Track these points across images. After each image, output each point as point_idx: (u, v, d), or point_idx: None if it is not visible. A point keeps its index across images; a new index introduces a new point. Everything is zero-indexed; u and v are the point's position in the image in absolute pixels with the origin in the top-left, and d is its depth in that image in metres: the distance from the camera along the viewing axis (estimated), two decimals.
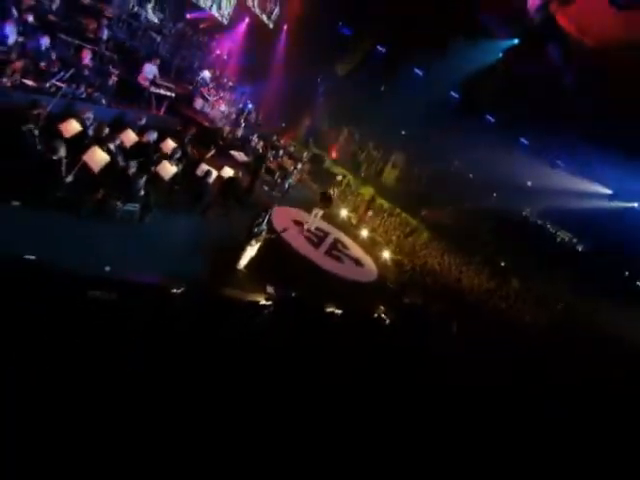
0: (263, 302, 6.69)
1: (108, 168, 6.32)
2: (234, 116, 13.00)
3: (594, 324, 13.90)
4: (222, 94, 12.82)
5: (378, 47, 20.33)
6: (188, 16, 13.75)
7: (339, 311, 7.72)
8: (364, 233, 12.74)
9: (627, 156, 16.30)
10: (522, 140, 21.45)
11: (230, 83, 13.78)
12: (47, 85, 7.13)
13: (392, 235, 14.03)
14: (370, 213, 13.68)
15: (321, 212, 10.60)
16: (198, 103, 11.66)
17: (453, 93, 21.16)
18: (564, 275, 17.10)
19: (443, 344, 9.05)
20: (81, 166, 6.09)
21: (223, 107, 12.60)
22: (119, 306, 5.16)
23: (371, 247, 12.24)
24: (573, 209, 19.78)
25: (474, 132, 20.23)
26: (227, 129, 11.69)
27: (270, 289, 7.09)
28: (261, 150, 11.75)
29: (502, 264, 19.73)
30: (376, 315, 8.69)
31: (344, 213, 13.56)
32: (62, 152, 5.60)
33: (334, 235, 11.27)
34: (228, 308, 6.33)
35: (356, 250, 11.24)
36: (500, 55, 16.03)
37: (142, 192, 6.58)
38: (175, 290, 5.75)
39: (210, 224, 8.10)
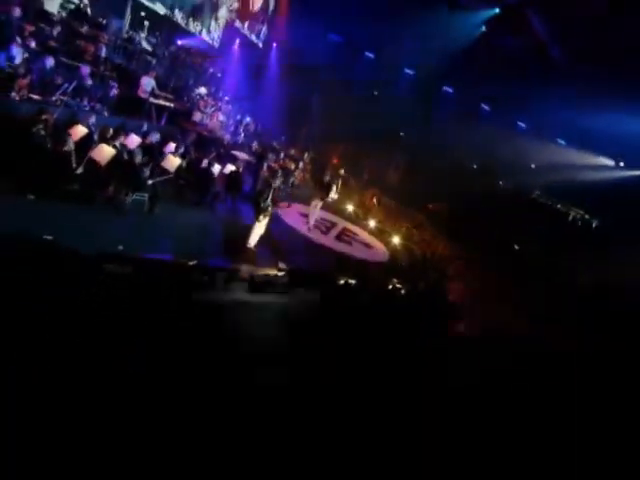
0: (277, 273, 6.80)
1: (115, 161, 6.62)
2: (233, 127, 13.46)
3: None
4: (219, 105, 13.30)
5: (366, 53, 21.02)
6: (179, 42, 14.37)
7: (352, 281, 7.78)
8: (372, 223, 12.87)
9: (627, 122, 16.30)
10: (520, 124, 21.63)
11: (226, 98, 14.29)
12: (53, 99, 7.56)
13: (400, 226, 14.10)
14: (375, 201, 13.80)
15: (320, 203, 10.04)
16: (197, 116, 12.12)
17: (447, 88, 21.66)
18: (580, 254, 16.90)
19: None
20: (89, 162, 6.42)
21: (221, 117, 13.07)
22: (135, 280, 5.33)
23: (380, 234, 12.34)
24: (581, 185, 19.67)
25: (471, 120, 20.50)
26: (227, 137, 12.11)
27: (282, 265, 7.23)
28: (262, 151, 12.09)
29: (516, 247, 19.62)
30: (391, 287, 8.72)
31: (350, 208, 13.73)
32: (71, 144, 5.91)
33: (342, 224, 11.43)
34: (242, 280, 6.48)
35: (365, 236, 11.37)
36: (483, 28, 16.21)
37: (149, 181, 6.85)
38: (190, 263, 5.91)
39: (218, 214, 8.34)
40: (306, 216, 10.32)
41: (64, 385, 2.38)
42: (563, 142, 21.04)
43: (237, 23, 17.27)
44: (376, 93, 21.72)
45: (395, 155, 19.99)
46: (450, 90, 21.98)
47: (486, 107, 21.58)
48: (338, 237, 10.25)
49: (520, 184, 21.27)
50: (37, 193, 5.82)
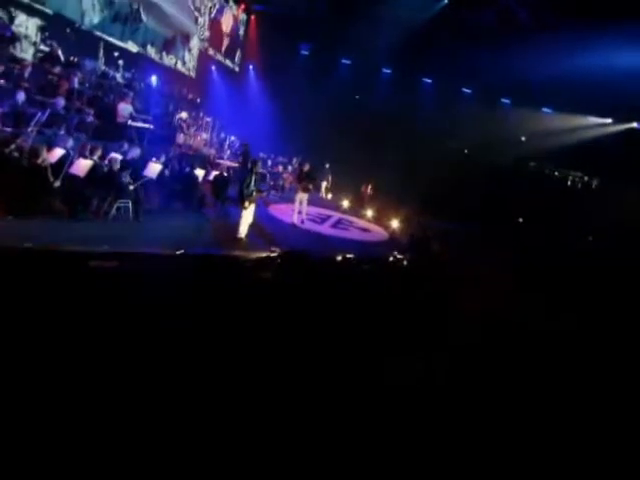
0: (270, 255, 6.68)
1: (93, 171, 6.65)
2: (217, 144, 13.61)
3: None
4: (200, 123, 13.50)
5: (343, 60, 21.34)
6: (154, 79, 14.64)
7: (350, 255, 7.62)
8: (369, 213, 12.76)
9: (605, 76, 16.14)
10: (504, 100, 21.59)
11: (207, 119, 14.51)
12: (28, 130, 7.68)
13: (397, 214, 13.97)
14: (370, 190, 13.71)
15: (305, 195, 9.61)
16: (180, 138, 12.28)
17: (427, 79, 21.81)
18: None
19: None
20: (68, 177, 6.46)
21: (204, 135, 13.24)
22: (121, 274, 5.24)
23: (377, 220, 12.21)
24: (574, 147, 19.46)
25: (455, 105, 20.52)
26: (212, 153, 12.23)
27: (275, 248, 7.14)
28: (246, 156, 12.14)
29: (520, 220, 19.31)
30: (391, 258, 8.52)
31: (345, 203, 13.67)
32: (45, 155, 5.96)
33: (338, 216, 11.35)
34: (237, 264, 6.37)
35: (362, 223, 11.25)
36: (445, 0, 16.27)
37: (130, 187, 6.86)
38: (177, 252, 5.83)
39: (207, 217, 8.32)
40: (299, 212, 10.30)
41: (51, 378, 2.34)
42: (550, 109, 20.98)
43: (210, 51, 17.70)
44: (357, 97, 22.03)
45: (384, 150, 19.94)
46: (428, 80, 22.18)
47: (467, 91, 21.68)
48: (334, 226, 10.15)
49: (516, 158, 21.08)
50: (15, 212, 5.81)
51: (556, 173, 22.24)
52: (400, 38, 18.47)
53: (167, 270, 5.73)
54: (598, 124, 19.43)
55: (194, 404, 2.32)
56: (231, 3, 18.00)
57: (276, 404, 2.33)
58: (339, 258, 7.64)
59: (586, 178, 20.35)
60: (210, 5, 17.03)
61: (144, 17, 14.70)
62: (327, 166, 14.97)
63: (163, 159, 8.22)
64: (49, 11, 11.77)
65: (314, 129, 17.97)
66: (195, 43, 16.95)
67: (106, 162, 6.96)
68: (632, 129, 20.04)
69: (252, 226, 7.44)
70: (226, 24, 18.24)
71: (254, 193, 7.15)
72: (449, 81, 21.23)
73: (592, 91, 16.92)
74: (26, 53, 10.85)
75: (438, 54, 18.60)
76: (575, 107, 19.21)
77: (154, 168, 7.67)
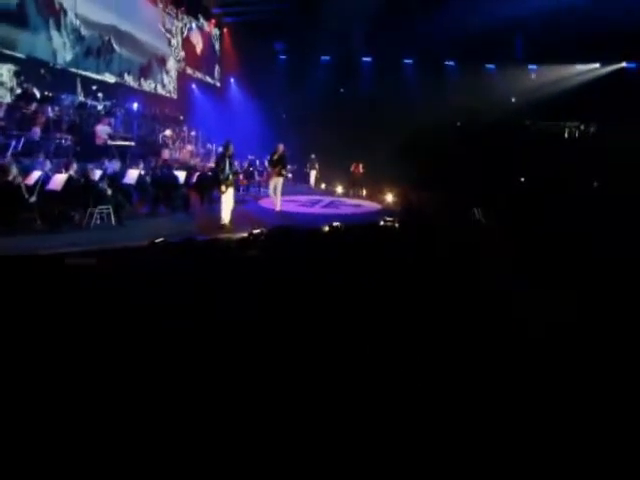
0: (254, 232, 6.60)
1: (70, 183, 6.71)
2: (204, 154, 13.72)
3: None
4: (184, 135, 13.65)
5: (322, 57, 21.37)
6: (135, 105, 14.85)
7: (337, 223, 7.47)
8: (362, 191, 12.63)
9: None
10: (489, 66, 21.33)
11: (192, 132, 14.66)
12: (5, 161, 7.81)
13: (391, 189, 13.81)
14: (361, 169, 13.56)
15: (279, 180, 9.47)
16: (165, 154, 12.37)
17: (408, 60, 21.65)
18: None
19: None
20: (46, 192, 6.54)
21: (189, 147, 13.37)
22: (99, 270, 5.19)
23: (371, 197, 12.06)
24: (565, 97, 19.04)
25: (438, 79, 20.34)
26: (197, 161, 12.32)
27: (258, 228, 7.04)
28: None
29: (521, 179, 18.86)
30: (382, 223, 8.32)
31: (339, 189, 13.57)
32: (15, 171, 6.04)
33: (330, 199, 11.25)
34: (220, 246, 6.30)
35: (355, 201, 11.11)
36: None
37: (109, 192, 6.90)
38: (157, 240, 5.78)
39: (191, 215, 8.31)
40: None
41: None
42: (534, 67, 20.64)
43: (188, 70, 17.96)
44: (342, 90, 22.03)
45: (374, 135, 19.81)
46: (409, 61, 22.07)
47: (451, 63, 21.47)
48: (325, 207, 10.04)
49: (509, 119, 20.67)
50: None
51: (553, 128, 21.76)
52: (370, 24, 18.49)
53: (146, 259, 5.72)
54: (587, 70, 19.00)
55: (182, 386, 2.27)
56: (201, 20, 18.28)
57: (272, 388, 2.23)
58: (326, 228, 7.52)
59: (582, 126, 19.83)
60: (181, 25, 17.33)
61: (117, 47, 15.01)
62: (313, 156, 14.93)
63: (142, 166, 8.28)
64: (21, 55, 12.07)
65: (301, 126, 18.00)
66: (172, 65, 17.23)
67: (80, 173, 7.03)
68: (621, 69, 19.53)
69: (234, 211, 7.39)
70: (200, 42, 18.52)
71: (230, 177, 7.12)
72: (431, 57, 21.14)
73: (572, 36, 16.60)
74: (3, 98, 11.15)
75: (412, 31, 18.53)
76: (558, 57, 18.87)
77: (132, 174, 7.74)
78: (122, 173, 7.98)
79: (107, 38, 14.73)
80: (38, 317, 3.23)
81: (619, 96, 16.96)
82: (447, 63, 22.17)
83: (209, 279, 5.37)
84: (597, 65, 19.52)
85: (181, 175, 8.50)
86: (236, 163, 14.11)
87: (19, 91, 11.44)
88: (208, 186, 8.98)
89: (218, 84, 19.52)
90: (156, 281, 5.00)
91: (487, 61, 21.73)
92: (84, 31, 13.98)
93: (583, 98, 18.49)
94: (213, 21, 18.69)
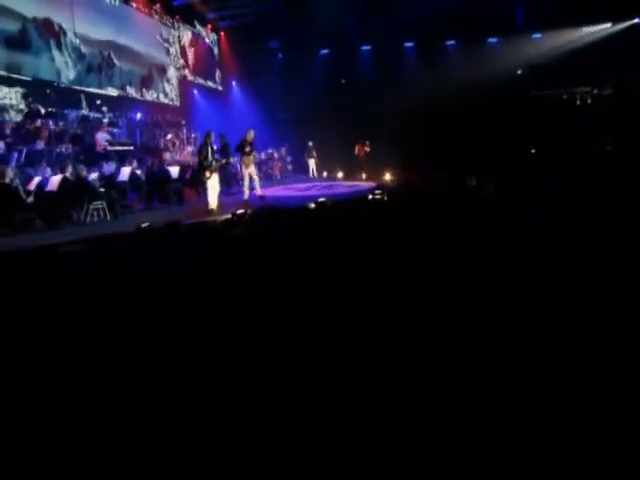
0: (237, 212, 6.91)
1: (64, 183, 7.23)
2: None
3: None
4: (183, 137, 14.19)
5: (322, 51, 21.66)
6: (138, 115, 15.50)
7: (323, 199, 7.68)
8: (364, 175, 12.80)
9: None
10: (491, 41, 21.10)
11: (193, 135, 15.20)
12: (10, 171, 8.43)
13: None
14: (367, 148, 13.64)
15: (252, 166, 9.33)
16: (167, 155, 12.95)
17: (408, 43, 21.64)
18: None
19: None
20: (44, 193, 7.07)
21: (190, 148, 13.89)
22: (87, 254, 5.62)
23: (371, 178, 12.22)
24: (575, 62, 18.52)
25: (439, 60, 20.26)
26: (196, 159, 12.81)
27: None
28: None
29: (532, 151, 18.50)
30: (370, 197, 8.46)
31: (340, 175, 13.78)
32: (11, 174, 6.57)
33: (328, 183, 11.48)
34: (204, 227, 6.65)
35: (352, 182, 11.30)
36: None
37: (101, 189, 7.38)
38: (143, 225, 6.19)
39: (185, 207, 8.73)
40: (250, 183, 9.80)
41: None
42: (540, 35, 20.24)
43: (189, 77, 18.58)
44: (344, 81, 22.21)
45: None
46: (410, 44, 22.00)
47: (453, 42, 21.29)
48: (319, 190, 10.28)
49: (516, 90, 20.25)
50: None
51: (564, 96, 21.23)
52: (365, 12, 18.66)
53: (132, 243, 6.13)
54: (596, 31, 18.51)
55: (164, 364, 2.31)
56: (198, 27, 18.89)
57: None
58: (312, 205, 7.73)
59: (595, 91, 19.25)
60: (178, 34, 17.97)
61: (116, 62, 15.73)
62: (310, 144, 15.16)
63: (135, 165, 8.77)
64: (27, 78, 12.85)
65: (302, 120, 18.31)
66: (172, 73, 17.88)
67: (74, 174, 7.56)
68: (635, 25, 18.92)
69: (223, 198, 7.75)
70: (197, 48, 19.14)
71: (213, 163, 7.48)
72: (431, 38, 21.04)
73: None
74: (13, 118, 11.92)
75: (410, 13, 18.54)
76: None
77: (125, 171, 8.25)
78: (117, 173, 8.49)
79: (107, 53, 15.46)
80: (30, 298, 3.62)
81: (634, 55, 16.45)
82: (448, 42, 22.02)
83: (193, 258, 5.75)
84: (608, 25, 18.93)
85: (174, 170, 8.94)
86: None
87: (26, 110, 12.26)
88: (200, 179, 9.40)
89: (220, 88, 20.09)
90: (140, 261, 5.43)
91: (489, 35, 21.48)
92: (84, 49, 14.71)
93: (594, 61, 17.97)
94: (209, 26, 19.28)
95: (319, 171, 15.24)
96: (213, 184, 7.49)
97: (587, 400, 1.68)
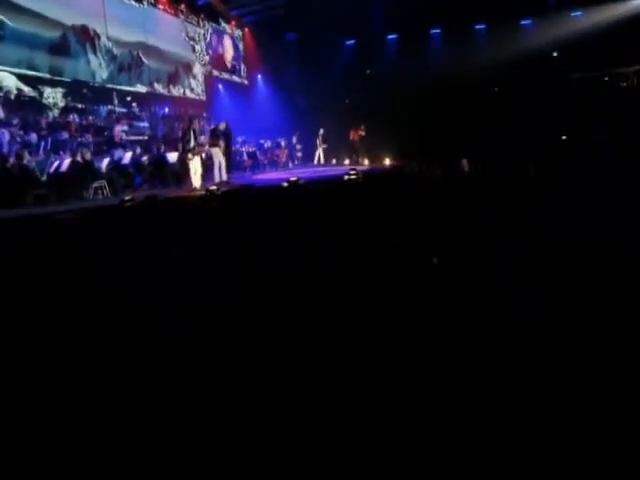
0: (211, 187, 8.25)
1: (74, 164, 8.90)
2: None
3: None
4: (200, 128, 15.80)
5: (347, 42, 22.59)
6: (164, 109, 17.32)
7: (295, 178, 8.79)
8: (362, 160, 13.74)
9: None
10: (524, 22, 20.97)
11: (207, 127, 16.79)
12: (38, 158, 10.29)
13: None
14: (361, 132, 14.48)
15: (218, 154, 10.32)
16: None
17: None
18: None
19: None
20: (57, 173, 8.78)
21: (203, 137, 15.44)
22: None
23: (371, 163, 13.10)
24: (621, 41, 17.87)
25: (466, 46, 20.45)
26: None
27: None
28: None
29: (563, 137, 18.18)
30: (346, 177, 9.42)
31: (347, 162, 14.76)
32: (27, 156, 8.28)
33: (321, 168, 12.56)
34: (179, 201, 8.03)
35: (346, 167, 12.29)
36: None
37: (103, 170, 8.99)
38: (126, 198, 7.67)
39: (181, 187, 10.20)
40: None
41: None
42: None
43: (215, 72, 20.29)
44: (369, 72, 23.01)
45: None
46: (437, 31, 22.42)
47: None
48: (303, 173, 11.39)
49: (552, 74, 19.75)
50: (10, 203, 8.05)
51: (605, 78, 20.64)
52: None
53: (114, 212, 7.64)
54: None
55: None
56: (223, 24, 20.56)
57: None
58: (285, 184, 8.84)
59: None
60: (203, 32, 19.73)
61: (145, 60, 17.69)
62: (322, 131, 16.09)
63: (138, 150, 10.37)
64: (67, 79, 14.95)
65: (320, 110, 19.35)
66: (198, 69, 19.68)
67: (80, 157, 9.24)
68: None
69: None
70: (223, 44, 20.84)
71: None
72: (459, 23, 21.26)
73: None
74: (54, 114, 14.02)
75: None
76: None
77: (127, 156, 9.88)
78: (122, 158, 10.16)
79: (136, 53, 17.46)
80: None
81: None
82: (477, 27, 22.13)
83: (163, 224, 7.12)
84: None
85: (172, 156, 10.48)
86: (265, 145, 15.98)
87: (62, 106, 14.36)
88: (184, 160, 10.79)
89: (245, 82, 21.69)
90: (117, 227, 6.90)
91: (521, 17, 21.32)
92: (116, 50, 16.74)
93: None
94: (233, 23, 20.89)
95: (329, 159, 16.26)
96: (195, 166, 8.86)
97: (587, 400, 1.71)
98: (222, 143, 10.57)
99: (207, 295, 3.10)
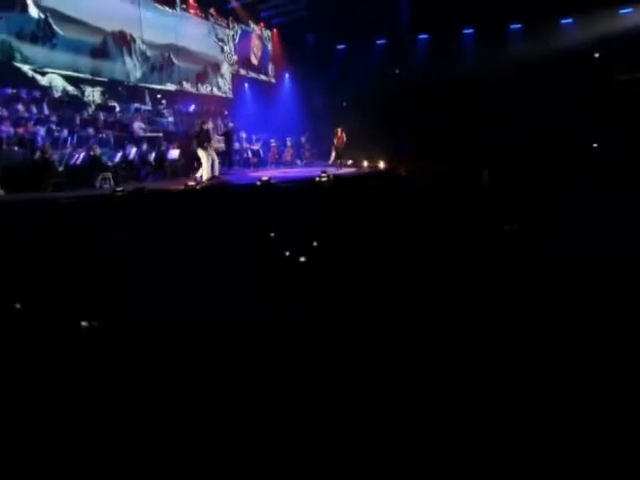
0: (190, 183, 10.23)
1: (85, 158, 11.20)
2: (236, 142, 17.90)
3: None
4: (218, 126, 17.92)
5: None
6: (193, 107, 19.67)
7: (266, 177, 10.55)
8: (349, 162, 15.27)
9: None
10: (564, 22, 21.29)
11: (230, 124, 18.93)
12: (65, 151, 12.70)
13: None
14: (341, 134, 15.94)
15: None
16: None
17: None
18: None
19: None
20: (72, 165, 11.14)
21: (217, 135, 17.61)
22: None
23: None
24: None
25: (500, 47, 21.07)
26: (221, 146, 16.48)
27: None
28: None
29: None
30: (317, 179, 11.01)
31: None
32: (50, 152, 10.62)
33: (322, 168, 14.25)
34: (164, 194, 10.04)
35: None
36: None
37: (108, 163, 11.24)
38: (117, 189, 9.79)
39: (179, 180, 12.30)
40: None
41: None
42: None
43: (242, 71, 22.49)
44: (397, 71, 24.27)
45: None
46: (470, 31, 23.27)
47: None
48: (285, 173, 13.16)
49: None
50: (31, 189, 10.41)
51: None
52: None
53: (107, 201, 9.76)
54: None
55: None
56: (252, 25, 22.72)
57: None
58: (258, 183, 10.57)
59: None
60: (232, 33, 21.97)
61: (175, 61, 20.14)
62: (339, 129, 17.35)
63: (144, 146, 12.60)
64: (104, 79, 17.56)
65: (347, 109, 20.85)
66: (226, 69, 21.94)
67: (91, 152, 11.53)
68: None
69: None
70: (251, 45, 23.02)
71: (207, 145, 10.88)
72: (494, 23, 21.92)
73: None
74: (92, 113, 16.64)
75: None
76: None
77: (132, 151, 12.06)
78: (130, 153, 12.45)
79: (167, 55, 19.91)
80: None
81: None
82: (513, 26, 22.64)
83: (145, 211, 9.12)
84: None
85: (173, 153, 12.66)
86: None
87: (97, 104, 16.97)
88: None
89: (273, 80, 23.75)
90: (106, 211, 9.01)
91: (561, 16, 21.47)
92: (149, 52, 19.24)
93: None
94: (262, 24, 22.99)
95: (342, 157, 17.50)
96: (204, 159, 10.91)
97: (588, 399, 1.79)
98: (215, 143, 12.58)
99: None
